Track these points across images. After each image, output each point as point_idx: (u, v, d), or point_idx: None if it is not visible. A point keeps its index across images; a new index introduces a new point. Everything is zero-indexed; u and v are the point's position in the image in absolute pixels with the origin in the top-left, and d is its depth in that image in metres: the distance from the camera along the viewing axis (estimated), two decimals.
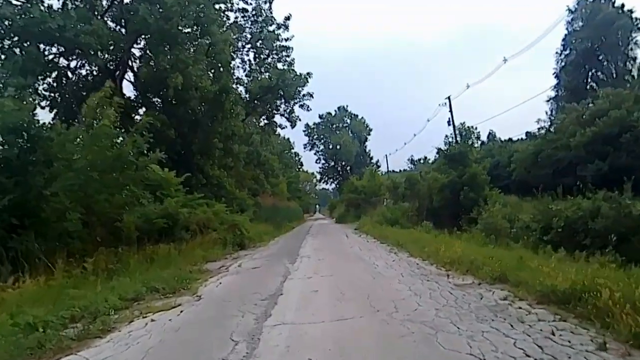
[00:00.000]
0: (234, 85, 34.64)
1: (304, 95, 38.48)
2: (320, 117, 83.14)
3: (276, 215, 33.74)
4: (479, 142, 45.25)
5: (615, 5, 37.55)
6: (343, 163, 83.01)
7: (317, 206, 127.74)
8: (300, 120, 41.68)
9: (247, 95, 39.19)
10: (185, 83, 22.10)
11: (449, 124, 47.28)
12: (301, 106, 38.73)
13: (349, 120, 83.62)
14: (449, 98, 47.29)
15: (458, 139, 27.99)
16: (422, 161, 71.33)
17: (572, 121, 28.34)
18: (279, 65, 37.24)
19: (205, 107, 25.00)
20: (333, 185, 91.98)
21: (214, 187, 25.30)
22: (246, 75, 35.87)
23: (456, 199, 26.87)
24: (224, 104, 25.30)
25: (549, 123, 35.48)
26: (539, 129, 35.00)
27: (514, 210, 21.18)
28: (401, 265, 10.33)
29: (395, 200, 32.08)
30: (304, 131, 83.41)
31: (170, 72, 21.41)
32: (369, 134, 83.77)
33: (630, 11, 37.31)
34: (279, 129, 42.29)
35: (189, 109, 24.13)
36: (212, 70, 25.93)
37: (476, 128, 29.03)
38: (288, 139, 72.00)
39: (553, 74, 41.49)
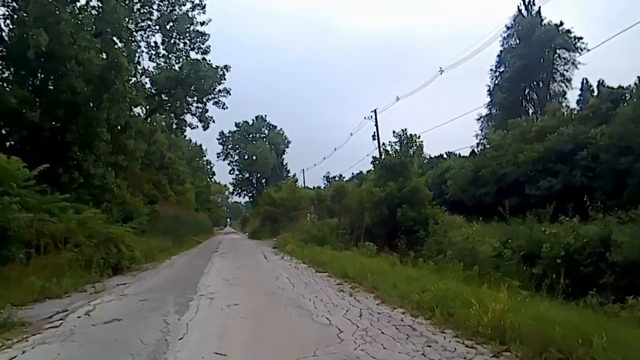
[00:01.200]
0: (136, 71, 28.60)
1: (219, 91, 33.13)
2: (237, 125, 77.16)
3: (179, 228, 27.69)
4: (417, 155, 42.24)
5: (552, 23, 36.61)
6: (258, 175, 77.41)
7: (229, 220, 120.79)
8: (214, 122, 36.21)
9: (152, 88, 32.99)
10: (60, 50, 16.28)
11: (373, 139, 44.18)
12: (216, 103, 33.25)
13: (267, 131, 78.43)
14: (375, 111, 44.29)
15: (394, 150, 24.15)
16: (337, 179, 67.91)
17: (516, 137, 25.82)
18: (192, 55, 31.35)
19: (89, 87, 18.61)
20: (246, 199, 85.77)
21: (96, 189, 19.24)
22: (150, 60, 29.52)
23: (393, 217, 23.02)
24: (114, 84, 19.25)
25: (484, 140, 33.19)
26: (478, 144, 32.69)
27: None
28: (388, 331, 5.38)
29: (320, 215, 27.54)
30: (218, 139, 76.87)
31: (32, 26, 15.47)
32: (287, 147, 79.11)
33: (568, 31, 36.51)
34: (188, 129, 36.27)
35: (67, 88, 17.90)
36: (102, 42, 20.03)
37: (419, 137, 25.51)
38: (200, 145, 65.47)
39: (487, 91, 39.91)
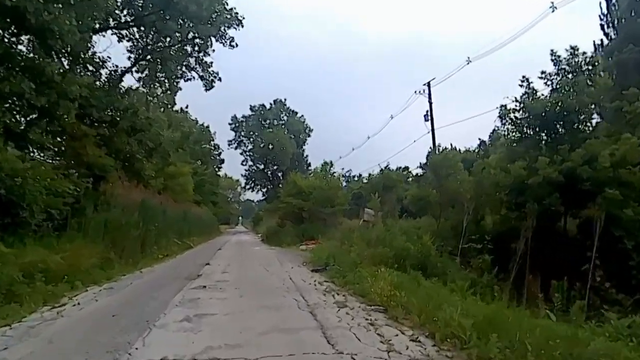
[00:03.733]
0: None
1: (225, 19, 21.66)
2: (252, 109, 65.29)
3: (147, 224, 15.90)
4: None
5: None
6: (275, 167, 65.50)
7: (240, 218, 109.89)
8: (220, 80, 25.18)
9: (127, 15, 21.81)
10: None
11: (426, 119, 32.63)
12: (221, 38, 21.75)
13: (285, 117, 66.50)
14: (428, 83, 32.50)
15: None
16: (356, 178, 55.25)
17: None
18: None
19: None
20: (259, 196, 73.65)
21: None
22: None
23: (555, 218, 11.28)
24: None
25: None
26: None
27: None
28: None
29: (386, 213, 15.50)
30: (230, 124, 65.18)
31: None
32: (309, 136, 67.02)
33: None
34: (182, 82, 24.81)
35: None
36: None
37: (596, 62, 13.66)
38: (207, 126, 53.94)
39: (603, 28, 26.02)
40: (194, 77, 24.60)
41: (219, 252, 19.15)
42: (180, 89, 26.09)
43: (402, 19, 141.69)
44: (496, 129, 14.32)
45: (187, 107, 51.16)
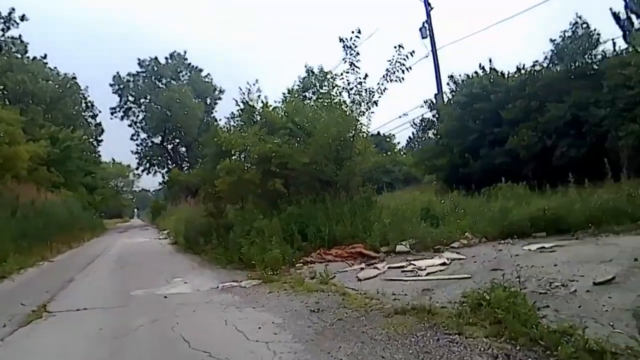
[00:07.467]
0: None
1: None
2: (141, 64, 46.76)
3: None
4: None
5: None
6: (177, 140, 48.21)
7: (136, 210, 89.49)
8: None
9: None
10: None
11: (423, 36, 20.43)
12: None
13: (187, 76, 49.05)
14: None
15: None
16: None
17: None
18: None
19: None
20: (157, 182, 55.18)
21: None
22: None
23: None
24: None
25: None
26: None
27: None
28: None
29: None
30: (111, 85, 46.13)
31: None
32: (220, 99, 50.14)
33: None
34: None
35: None
36: None
37: None
38: (74, 77, 35.30)
39: None
40: None
41: None
42: None
43: None
44: None
45: (45, 56, 32.92)
